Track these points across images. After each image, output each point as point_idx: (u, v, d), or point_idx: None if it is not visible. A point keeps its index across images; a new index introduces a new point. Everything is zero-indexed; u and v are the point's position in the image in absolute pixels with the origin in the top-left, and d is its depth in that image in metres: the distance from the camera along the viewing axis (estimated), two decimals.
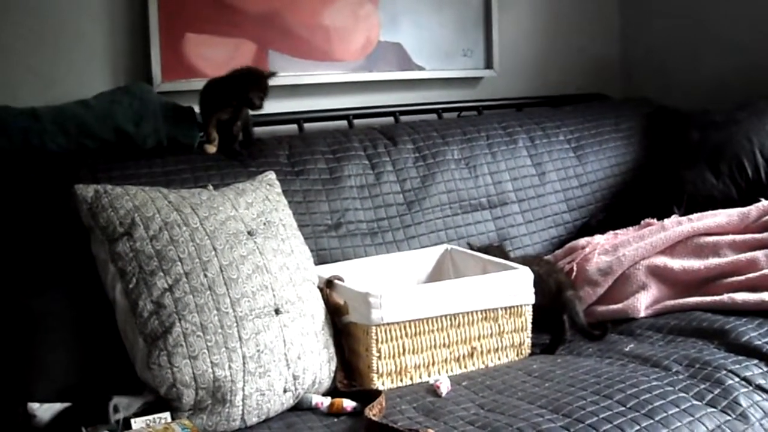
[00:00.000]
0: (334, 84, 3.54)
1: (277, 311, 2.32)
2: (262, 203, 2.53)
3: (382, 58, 3.63)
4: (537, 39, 4.03)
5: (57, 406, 2.17)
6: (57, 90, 2.96)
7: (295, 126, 3.33)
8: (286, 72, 3.40)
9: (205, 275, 2.27)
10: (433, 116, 3.61)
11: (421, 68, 3.72)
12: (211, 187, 2.60)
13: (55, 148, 2.73)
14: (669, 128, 3.67)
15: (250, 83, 2.89)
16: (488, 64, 3.86)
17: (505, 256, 2.88)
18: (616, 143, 3.64)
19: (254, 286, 2.31)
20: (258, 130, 3.21)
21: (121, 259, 2.29)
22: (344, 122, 3.43)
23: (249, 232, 2.40)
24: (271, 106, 3.29)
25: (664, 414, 2.14)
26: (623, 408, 2.15)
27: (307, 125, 3.34)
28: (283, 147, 3.06)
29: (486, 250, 2.92)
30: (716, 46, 3.91)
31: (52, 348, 2.31)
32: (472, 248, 2.96)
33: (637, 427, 2.08)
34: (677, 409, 2.16)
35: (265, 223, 2.47)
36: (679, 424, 2.12)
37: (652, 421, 2.11)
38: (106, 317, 2.33)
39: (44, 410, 2.16)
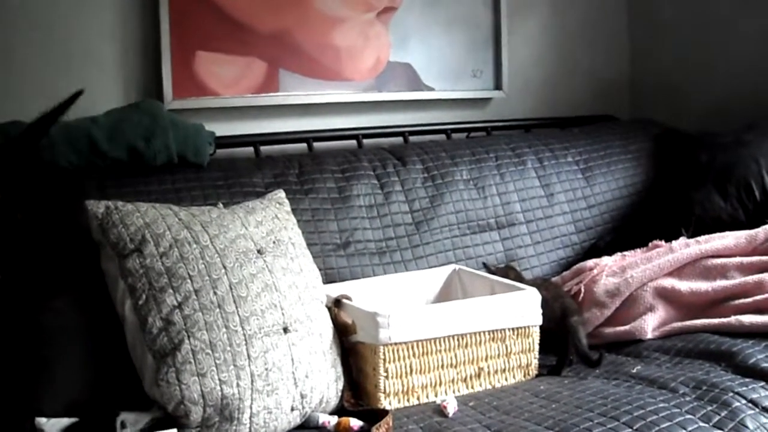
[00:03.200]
0: (344, 104, 3.56)
1: (285, 330, 2.32)
2: (271, 221, 2.54)
3: (392, 78, 3.64)
4: (546, 60, 4.04)
5: (64, 421, 2.17)
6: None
7: (304, 145, 3.33)
8: (297, 91, 3.42)
9: (215, 293, 2.27)
10: (442, 137, 3.62)
11: (430, 89, 3.73)
12: (221, 205, 2.61)
13: (66, 164, 2.75)
14: (677, 150, 3.67)
15: None
16: (497, 85, 3.87)
17: (519, 276, 2.90)
18: (625, 165, 3.64)
19: (263, 305, 2.32)
20: (268, 148, 3.25)
21: (131, 275, 2.30)
22: (353, 142, 3.44)
23: (258, 251, 2.41)
24: (281, 125, 3.33)
25: None
26: (630, 429, 2.15)
27: (316, 144, 3.35)
28: (293, 165, 3.07)
29: (503, 270, 2.93)
30: (724, 68, 3.92)
31: (60, 363, 2.30)
32: (487, 268, 2.97)
33: None
34: (684, 431, 2.16)
35: (274, 242, 2.48)
36: None
37: None
38: (115, 333, 2.34)
39: (51, 425, 2.16)
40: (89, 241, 2.43)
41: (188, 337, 2.21)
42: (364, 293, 2.72)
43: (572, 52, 4.09)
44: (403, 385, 2.48)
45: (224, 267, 2.32)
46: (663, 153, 3.73)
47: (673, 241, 3.09)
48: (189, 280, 2.28)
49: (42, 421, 2.16)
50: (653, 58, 4.17)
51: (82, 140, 2.77)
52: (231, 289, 2.29)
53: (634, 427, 2.16)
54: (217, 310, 2.25)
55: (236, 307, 2.27)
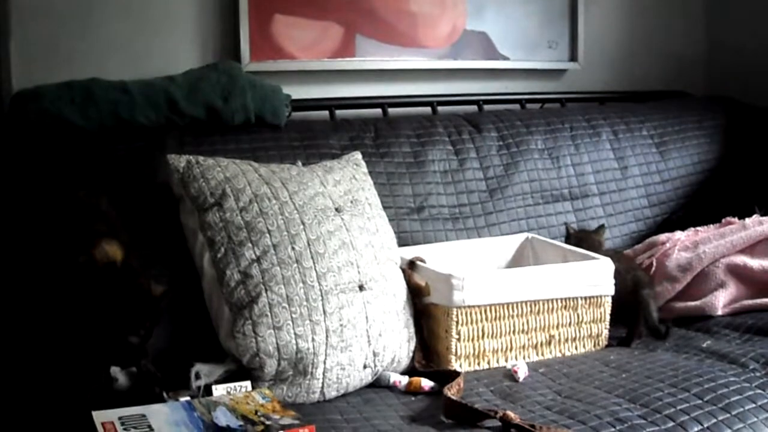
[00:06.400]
0: (419, 70, 3.55)
1: (361, 287, 2.35)
2: (349, 181, 2.56)
3: (468, 47, 3.63)
4: (622, 34, 4.01)
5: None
6: (146, 66, 3.00)
7: (379, 110, 3.34)
8: (372, 56, 3.43)
9: (293, 248, 2.30)
10: (516, 106, 3.61)
11: (505, 58, 3.71)
12: (300, 164, 2.64)
13: (144, 121, 2.78)
14: (753, 128, 3.65)
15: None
16: (573, 57, 3.84)
17: (599, 242, 2.91)
18: (699, 141, 3.61)
19: (340, 262, 2.34)
20: (342, 112, 3.26)
21: (210, 228, 2.33)
22: (428, 109, 3.44)
23: (336, 209, 2.43)
24: (357, 90, 3.33)
25: (741, 409, 2.13)
26: (700, 401, 2.15)
27: (390, 110, 3.35)
28: (369, 129, 3.09)
29: (585, 234, 2.95)
30: None
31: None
32: (569, 231, 2.96)
33: (714, 420, 2.08)
34: (754, 405, 2.16)
35: (352, 201, 2.50)
36: (755, 419, 2.11)
37: (728, 415, 2.11)
38: (190, 285, 2.38)
39: (126, 374, 2.18)
40: (168, 195, 2.47)
41: (265, 290, 2.24)
42: (437, 257, 2.71)
43: (648, 26, 4.06)
44: (474, 349, 2.49)
45: (303, 223, 2.35)
46: (738, 130, 3.69)
47: (747, 219, 3.06)
48: (268, 235, 2.30)
49: (116, 369, 2.18)
50: (729, 34, 4.12)
51: (160, 98, 2.80)
52: (309, 245, 2.32)
53: (704, 399, 2.16)
54: (295, 265, 2.28)
55: (313, 263, 2.30)
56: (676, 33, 4.13)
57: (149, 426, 1.92)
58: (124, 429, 1.90)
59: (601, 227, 2.99)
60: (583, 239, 2.88)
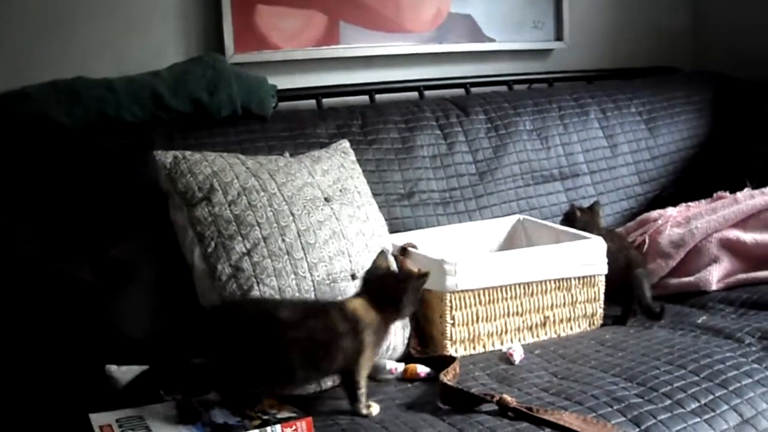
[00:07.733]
0: (405, 55, 3.54)
1: (353, 276, 2.34)
2: (337, 170, 2.55)
3: (453, 30, 3.61)
4: (607, 11, 4.00)
5: (135, 369, 2.17)
6: (130, 62, 2.97)
7: (366, 97, 3.33)
8: (357, 43, 3.41)
9: (283, 240, 2.29)
10: (504, 88, 3.60)
11: (491, 40, 3.70)
12: (287, 154, 2.63)
13: (130, 118, 2.76)
14: (742, 101, 3.65)
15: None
16: (558, 36, 3.83)
17: (597, 222, 2.91)
18: (688, 116, 3.61)
19: (331, 252, 2.33)
20: (330, 101, 3.25)
21: (199, 223, 2.32)
22: (415, 94, 3.43)
23: (326, 198, 2.42)
24: (343, 77, 3.32)
25: (738, 384, 2.13)
26: (697, 378, 2.15)
27: (377, 96, 3.34)
28: (356, 117, 3.08)
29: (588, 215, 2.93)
30: None
31: (131, 311, 2.35)
32: (575, 213, 2.93)
33: (711, 397, 2.07)
34: (751, 380, 2.15)
35: (341, 190, 2.49)
36: (752, 394, 2.10)
37: (725, 391, 2.10)
38: (182, 282, 2.36)
39: (122, 372, 2.17)
40: (156, 192, 2.46)
41: (257, 283, 2.24)
42: (429, 243, 2.71)
43: (633, 1, 4.05)
44: (469, 333, 2.48)
45: (292, 214, 2.34)
46: (727, 104, 3.69)
47: (738, 193, 3.06)
48: (257, 228, 2.30)
49: (113, 368, 2.18)
50: (716, 8, 4.11)
51: (146, 94, 2.78)
52: (299, 236, 2.31)
53: (701, 375, 2.16)
54: (286, 256, 2.27)
55: (304, 254, 2.29)
56: (662, 7, 4.12)
57: (147, 427, 1.92)
58: (122, 431, 1.89)
59: (596, 204, 2.98)
60: (589, 221, 2.87)
